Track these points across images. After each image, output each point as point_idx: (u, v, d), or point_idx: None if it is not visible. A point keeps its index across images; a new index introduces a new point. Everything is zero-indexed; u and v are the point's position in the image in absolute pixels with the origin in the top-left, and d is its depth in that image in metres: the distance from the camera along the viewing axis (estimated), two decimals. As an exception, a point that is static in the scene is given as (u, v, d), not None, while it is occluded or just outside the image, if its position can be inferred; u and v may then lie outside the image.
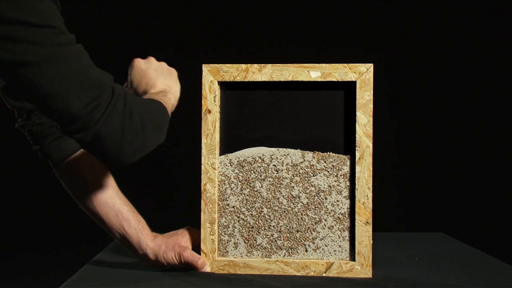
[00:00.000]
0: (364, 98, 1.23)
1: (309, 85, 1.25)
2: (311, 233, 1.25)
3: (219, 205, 1.27)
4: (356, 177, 1.23)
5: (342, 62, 1.24)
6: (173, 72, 1.27)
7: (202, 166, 1.26)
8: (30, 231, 3.19)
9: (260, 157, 1.27)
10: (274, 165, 1.26)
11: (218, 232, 1.27)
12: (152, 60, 1.27)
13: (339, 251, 1.25)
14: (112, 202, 1.26)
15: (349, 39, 3.10)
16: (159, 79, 1.23)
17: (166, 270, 1.26)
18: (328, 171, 1.25)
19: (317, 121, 1.26)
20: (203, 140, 1.26)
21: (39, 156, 1.28)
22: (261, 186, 1.26)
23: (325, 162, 1.25)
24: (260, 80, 1.25)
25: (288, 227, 1.26)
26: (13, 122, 1.27)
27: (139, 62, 1.25)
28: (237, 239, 1.27)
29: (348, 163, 1.25)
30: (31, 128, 1.25)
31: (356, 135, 1.23)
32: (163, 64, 1.27)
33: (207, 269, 1.25)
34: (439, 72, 3.11)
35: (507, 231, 3.03)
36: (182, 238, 1.27)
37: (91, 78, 0.97)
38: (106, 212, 1.25)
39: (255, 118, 1.28)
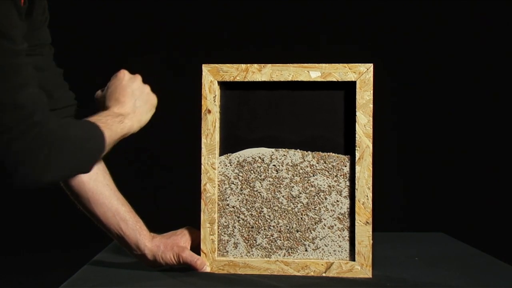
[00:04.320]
0: (364, 98, 1.23)
1: (309, 85, 1.25)
2: (311, 233, 1.25)
3: (219, 205, 1.27)
4: (356, 177, 1.23)
5: (342, 62, 1.24)
6: (151, 100, 1.23)
7: (202, 166, 1.26)
8: (30, 230, 3.19)
9: (260, 157, 1.27)
10: (274, 165, 1.26)
11: (218, 232, 1.27)
12: (137, 79, 1.23)
13: (339, 251, 1.25)
14: (110, 202, 1.25)
15: (349, 39, 3.10)
16: (130, 100, 1.19)
17: (166, 270, 1.26)
18: (328, 171, 1.25)
19: (317, 121, 1.26)
20: (203, 140, 1.26)
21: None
22: (261, 186, 1.26)
23: (325, 162, 1.25)
24: (260, 80, 1.25)
25: (288, 227, 1.26)
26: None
27: (123, 74, 1.22)
28: (237, 239, 1.26)
29: (348, 163, 1.25)
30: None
31: (356, 135, 1.23)
32: (146, 88, 1.23)
33: (207, 269, 1.25)
34: (439, 72, 3.11)
35: (507, 231, 3.03)
36: (181, 238, 1.27)
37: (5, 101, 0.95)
38: (103, 212, 1.25)
39: (255, 118, 1.28)
